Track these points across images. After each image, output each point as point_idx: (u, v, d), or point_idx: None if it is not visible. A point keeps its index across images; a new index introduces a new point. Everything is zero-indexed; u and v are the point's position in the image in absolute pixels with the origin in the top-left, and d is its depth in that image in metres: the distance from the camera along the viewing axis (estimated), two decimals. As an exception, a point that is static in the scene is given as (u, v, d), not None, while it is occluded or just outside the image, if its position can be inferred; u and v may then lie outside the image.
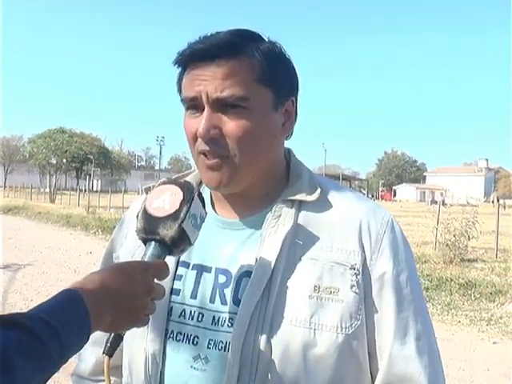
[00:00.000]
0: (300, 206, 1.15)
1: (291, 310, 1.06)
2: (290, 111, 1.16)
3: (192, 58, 1.09)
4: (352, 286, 1.07)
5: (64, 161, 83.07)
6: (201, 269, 1.15)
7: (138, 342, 1.14)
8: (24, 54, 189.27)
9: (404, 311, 1.10)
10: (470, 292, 9.57)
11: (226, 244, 1.16)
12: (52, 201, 42.99)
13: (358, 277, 1.08)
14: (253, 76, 1.08)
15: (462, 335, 7.50)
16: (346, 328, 1.05)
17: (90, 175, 74.74)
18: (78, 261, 12.94)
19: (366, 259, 1.10)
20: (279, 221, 1.12)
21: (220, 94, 1.06)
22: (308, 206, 1.15)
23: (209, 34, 1.11)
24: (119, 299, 0.88)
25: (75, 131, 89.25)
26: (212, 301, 1.11)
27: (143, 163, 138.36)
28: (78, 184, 70.65)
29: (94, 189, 68.16)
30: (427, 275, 10.43)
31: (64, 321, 0.77)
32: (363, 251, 1.11)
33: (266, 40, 1.14)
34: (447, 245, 12.44)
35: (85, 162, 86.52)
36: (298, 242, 1.11)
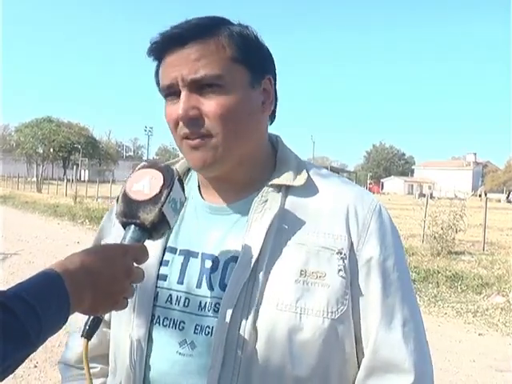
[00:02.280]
0: (287, 191, 1.15)
1: (277, 295, 1.06)
2: (268, 90, 1.17)
3: (164, 45, 1.10)
4: (339, 271, 1.07)
5: (51, 150, 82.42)
6: (187, 254, 1.15)
7: (124, 328, 1.14)
8: (11, 43, 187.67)
9: (390, 297, 1.10)
10: (456, 284, 9.64)
11: (212, 229, 1.16)
12: (39, 190, 42.79)
13: (345, 261, 1.08)
14: (226, 55, 1.09)
15: (448, 327, 7.54)
16: (332, 313, 1.05)
17: (77, 165, 74.38)
18: (65, 250, 12.83)
19: (352, 244, 1.10)
20: (266, 206, 1.12)
21: (194, 76, 1.07)
22: (295, 191, 1.15)
23: (178, 23, 1.11)
24: (99, 281, 0.87)
25: (63, 120, 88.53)
26: (198, 286, 1.11)
27: (131, 153, 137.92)
28: (65, 174, 70.39)
29: (82, 179, 67.90)
30: (414, 267, 10.48)
31: (43, 301, 0.76)
32: (350, 236, 1.10)
33: (237, 24, 1.15)
34: (435, 237, 12.51)
35: (72, 151, 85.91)
36: (285, 227, 1.11)
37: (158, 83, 1.16)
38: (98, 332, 1.21)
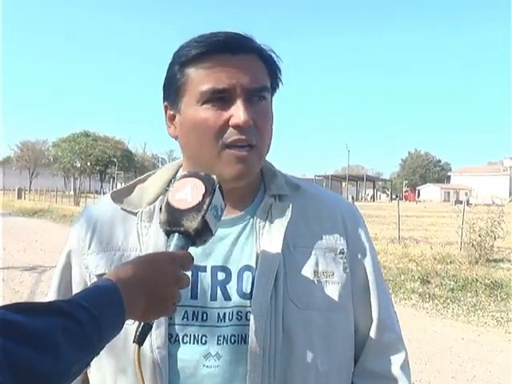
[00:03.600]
0: (286, 199, 1.22)
1: (298, 296, 1.14)
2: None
3: (217, 48, 1.10)
4: (344, 269, 1.20)
5: (88, 164, 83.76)
6: (195, 269, 1.13)
7: (144, 352, 1.08)
8: (49, 59, 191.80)
9: (381, 287, 1.26)
10: (496, 293, 9.47)
11: (217, 242, 1.16)
12: (76, 203, 43.44)
13: (347, 259, 1.21)
14: (267, 70, 1.16)
15: (488, 336, 7.41)
16: (343, 306, 1.18)
17: (113, 178, 75.15)
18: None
19: (348, 243, 1.22)
20: (270, 214, 1.19)
21: (255, 85, 1.11)
22: (293, 200, 1.22)
23: (208, 33, 1.13)
24: (150, 289, 0.91)
25: (99, 135, 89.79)
26: (213, 298, 1.13)
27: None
28: (101, 187, 71.43)
29: (118, 191, 68.45)
30: (452, 276, 10.35)
31: (102, 309, 0.81)
32: (346, 237, 1.23)
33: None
34: (472, 245, 12.31)
35: (108, 164, 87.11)
36: (292, 233, 1.18)
37: (179, 86, 1.13)
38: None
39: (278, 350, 1.10)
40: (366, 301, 1.23)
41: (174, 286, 0.96)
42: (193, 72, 1.11)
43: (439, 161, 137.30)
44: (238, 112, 1.07)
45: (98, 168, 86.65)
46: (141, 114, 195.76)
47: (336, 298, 1.16)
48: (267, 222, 1.17)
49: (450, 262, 11.93)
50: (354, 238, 1.24)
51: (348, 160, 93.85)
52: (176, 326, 1.12)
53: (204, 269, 1.15)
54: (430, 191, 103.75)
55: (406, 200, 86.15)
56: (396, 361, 1.24)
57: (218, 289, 1.13)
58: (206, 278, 1.14)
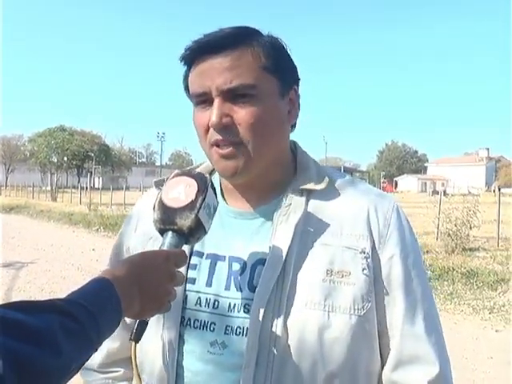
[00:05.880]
0: (309, 194, 1.19)
1: (305, 294, 1.09)
2: (293, 100, 1.20)
3: (199, 52, 1.13)
4: (363, 269, 1.11)
5: (65, 159, 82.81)
6: (214, 258, 1.18)
7: (154, 331, 1.16)
8: (24, 53, 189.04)
9: (412, 293, 1.14)
10: (472, 281, 9.59)
11: (238, 233, 1.19)
12: (54, 199, 42.97)
13: (368, 260, 1.12)
14: (258, 64, 1.12)
15: (464, 324, 7.53)
16: (358, 310, 1.09)
17: (91, 173, 74.69)
18: (81, 258, 12.96)
19: (374, 243, 1.14)
20: (290, 209, 1.16)
21: (230, 85, 1.10)
22: (317, 195, 1.19)
23: (212, 32, 1.14)
24: (146, 287, 0.93)
25: (75, 129, 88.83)
26: (227, 288, 1.15)
27: (144, 160, 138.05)
28: (79, 182, 70.75)
29: (96, 186, 68.11)
30: (429, 265, 10.43)
31: (99, 307, 0.83)
32: (372, 236, 1.15)
33: (267, 34, 1.18)
34: (449, 234, 12.46)
35: (86, 159, 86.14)
36: (309, 229, 1.15)
37: (186, 88, 1.19)
38: (119, 336, 1.24)
39: (277, 347, 1.07)
40: (392, 305, 1.14)
41: (169, 283, 0.98)
42: (191, 74, 1.16)
43: (416, 152, 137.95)
44: (212, 114, 1.10)
45: (74, 163, 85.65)
46: (117, 109, 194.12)
47: (350, 300, 1.09)
48: (284, 217, 1.16)
49: (427, 252, 12.05)
50: (383, 236, 1.15)
51: (326, 152, 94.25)
52: (189, 310, 1.16)
53: (223, 258, 1.18)
54: (407, 182, 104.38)
55: (384, 191, 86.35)
56: (423, 374, 1.11)
57: (232, 279, 1.15)
58: (223, 268, 1.17)
